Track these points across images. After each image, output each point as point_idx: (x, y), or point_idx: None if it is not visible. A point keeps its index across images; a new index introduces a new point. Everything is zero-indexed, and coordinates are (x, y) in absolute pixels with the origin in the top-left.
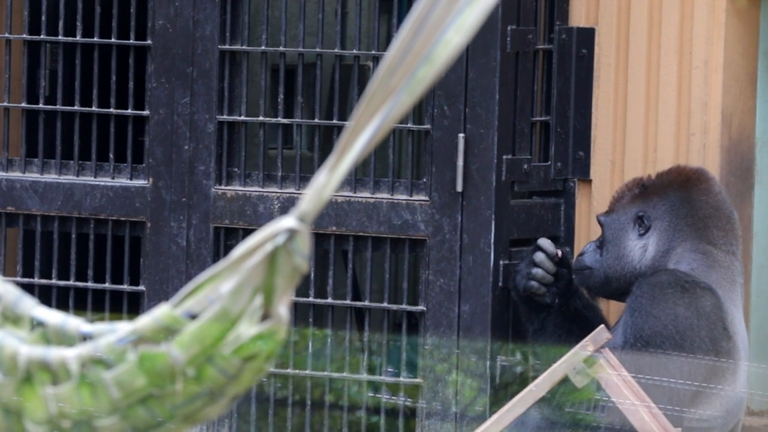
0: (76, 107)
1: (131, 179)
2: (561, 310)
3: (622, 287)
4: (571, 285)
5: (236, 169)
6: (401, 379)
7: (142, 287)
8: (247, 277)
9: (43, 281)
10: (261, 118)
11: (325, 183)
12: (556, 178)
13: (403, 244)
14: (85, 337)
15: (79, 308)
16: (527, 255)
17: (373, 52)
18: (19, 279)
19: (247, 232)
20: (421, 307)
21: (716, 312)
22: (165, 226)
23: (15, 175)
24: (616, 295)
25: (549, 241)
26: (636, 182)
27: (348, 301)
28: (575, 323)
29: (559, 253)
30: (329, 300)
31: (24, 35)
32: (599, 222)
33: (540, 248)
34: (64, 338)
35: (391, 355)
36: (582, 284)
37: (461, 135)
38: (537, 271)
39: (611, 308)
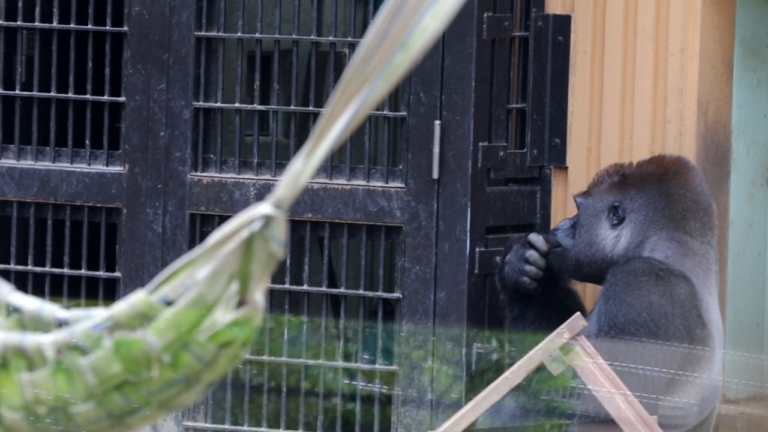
0: (52, 93)
1: (107, 165)
2: (542, 299)
3: (593, 272)
4: (553, 275)
5: (212, 156)
6: (377, 366)
7: (118, 273)
8: (223, 264)
9: (19, 267)
10: (237, 104)
11: (301, 170)
12: (532, 166)
13: (379, 231)
14: (61, 324)
15: (55, 294)
16: (516, 247)
17: (349, 38)
18: None
19: (223, 219)
20: (396, 294)
21: (691, 299)
22: (141, 213)
23: None
24: (589, 278)
25: (540, 237)
26: (616, 168)
27: (324, 288)
28: (556, 312)
29: (549, 247)
30: (305, 287)
31: (0, 21)
32: (575, 202)
33: (532, 245)
34: (40, 324)
35: (367, 342)
36: (554, 264)
37: (437, 122)
38: (530, 269)
39: (588, 295)
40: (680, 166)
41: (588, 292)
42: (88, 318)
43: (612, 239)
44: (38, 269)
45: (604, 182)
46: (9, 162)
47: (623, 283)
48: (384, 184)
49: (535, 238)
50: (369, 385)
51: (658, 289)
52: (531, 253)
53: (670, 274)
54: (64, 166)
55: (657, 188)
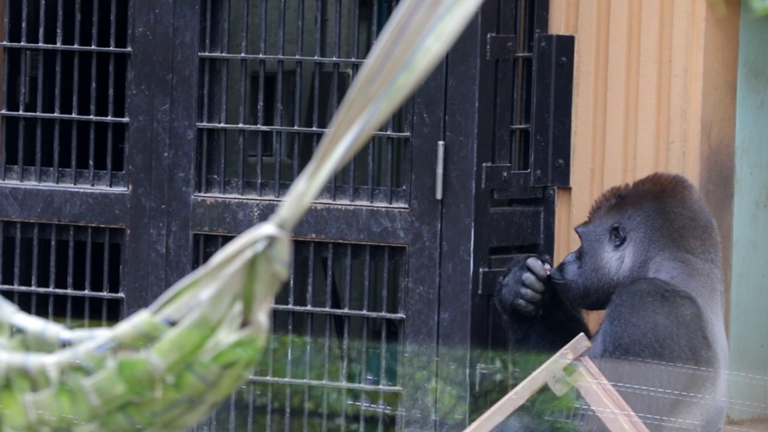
0: (56, 114)
1: (111, 186)
2: (544, 321)
3: (601, 298)
4: (555, 297)
5: (216, 176)
6: (380, 386)
7: (121, 294)
8: (226, 284)
9: (23, 288)
10: (240, 125)
11: (305, 190)
12: (535, 186)
13: (382, 252)
14: (65, 344)
15: (59, 315)
16: (515, 270)
17: (352, 59)
18: None
19: (227, 240)
20: (400, 315)
21: (696, 321)
22: (144, 233)
23: None
24: (597, 305)
25: (539, 262)
26: (613, 192)
27: (327, 309)
28: (558, 334)
29: (547, 271)
30: (308, 307)
31: (4, 42)
32: (577, 233)
33: (530, 269)
34: (44, 345)
35: (371, 362)
36: (562, 294)
37: (441, 142)
38: (526, 291)
39: (593, 318)
40: (676, 184)
41: (591, 315)
42: (92, 339)
43: (616, 261)
44: (42, 290)
45: (602, 207)
46: (12, 182)
47: (628, 303)
48: (387, 205)
49: (534, 262)
50: (372, 405)
51: (664, 310)
52: (527, 276)
53: (676, 295)
54: (67, 186)
55: (654, 206)
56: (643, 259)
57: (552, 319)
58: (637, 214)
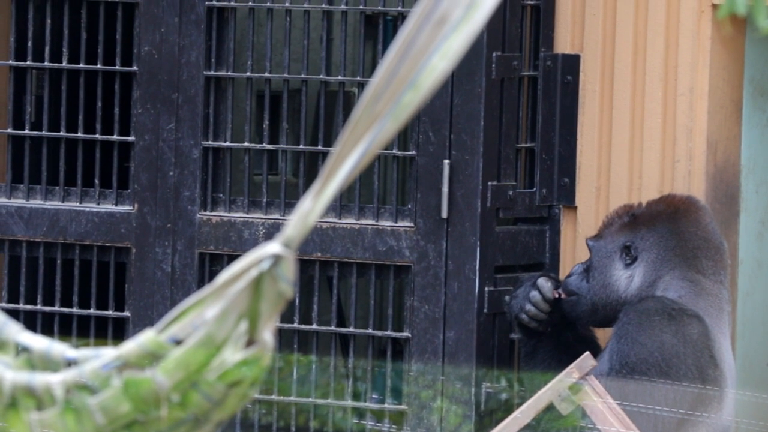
0: (61, 133)
1: (116, 205)
2: (552, 339)
3: (608, 315)
4: (564, 317)
5: (221, 195)
6: (386, 405)
7: (127, 313)
8: (231, 303)
9: (28, 307)
10: (246, 144)
11: (310, 209)
12: (541, 205)
13: (388, 271)
14: (70, 363)
15: (64, 334)
16: (526, 285)
17: (358, 78)
18: (4, 305)
19: (232, 258)
20: (406, 334)
21: (703, 340)
22: (150, 252)
23: (0, 200)
24: (604, 322)
25: (550, 284)
26: (626, 209)
27: (333, 328)
28: (566, 353)
29: (557, 294)
30: (314, 326)
31: (10, 61)
32: (588, 246)
33: (538, 288)
34: (49, 364)
35: (376, 381)
36: (569, 312)
37: (446, 161)
38: (530, 308)
39: (600, 338)
40: (690, 205)
41: (598, 334)
42: (97, 357)
43: (626, 279)
44: (47, 308)
45: (615, 224)
46: (18, 201)
47: (636, 322)
48: (393, 224)
49: (544, 282)
50: (378, 424)
51: (671, 328)
52: (534, 294)
53: (683, 314)
54: (73, 205)
55: (667, 227)
56: (652, 279)
57: (560, 338)
58: (650, 234)
